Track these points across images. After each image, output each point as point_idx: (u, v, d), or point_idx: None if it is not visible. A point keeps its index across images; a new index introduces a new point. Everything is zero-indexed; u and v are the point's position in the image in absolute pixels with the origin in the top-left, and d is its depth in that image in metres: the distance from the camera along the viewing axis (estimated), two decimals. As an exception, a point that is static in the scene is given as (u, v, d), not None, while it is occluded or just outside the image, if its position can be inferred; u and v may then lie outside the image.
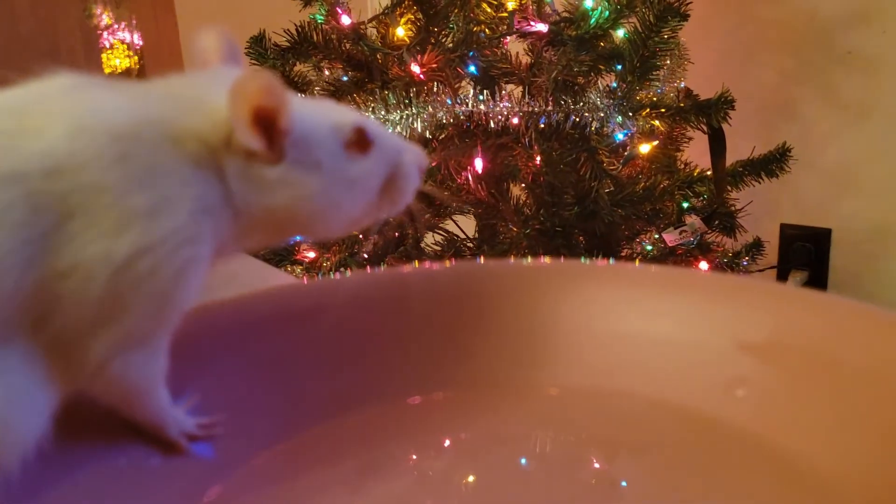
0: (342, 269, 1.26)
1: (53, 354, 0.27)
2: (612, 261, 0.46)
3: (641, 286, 0.42)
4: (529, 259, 0.45)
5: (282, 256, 1.26)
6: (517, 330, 0.42)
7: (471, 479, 0.36)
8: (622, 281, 0.43)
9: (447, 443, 0.38)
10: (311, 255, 1.27)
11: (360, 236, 1.25)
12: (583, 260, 0.45)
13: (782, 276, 1.50)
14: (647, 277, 0.43)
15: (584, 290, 0.43)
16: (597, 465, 0.37)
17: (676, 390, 0.39)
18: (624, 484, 0.35)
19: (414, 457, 0.37)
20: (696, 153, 1.19)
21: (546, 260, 0.44)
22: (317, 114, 0.31)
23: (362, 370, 0.40)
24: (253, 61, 1.14)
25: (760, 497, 0.33)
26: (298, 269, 1.32)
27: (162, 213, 0.27)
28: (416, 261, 1.23)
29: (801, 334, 0.37)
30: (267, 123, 0.29)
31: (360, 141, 0.32)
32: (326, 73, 1.18)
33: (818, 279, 1.50)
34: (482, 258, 1.11)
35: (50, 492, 0.29)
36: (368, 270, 0.45)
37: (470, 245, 1.25)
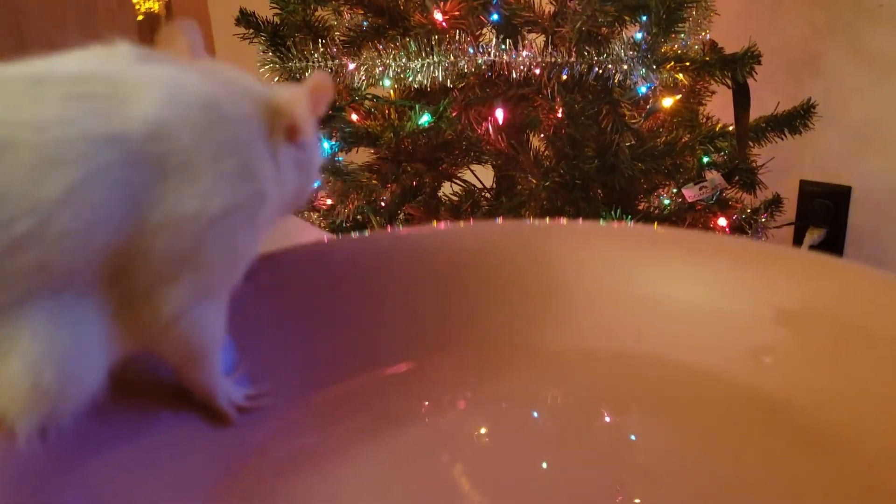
0: (359, 216, 1.26)
1: (124, 309, 0.28)
2: (629, 220, 0.46)
3: (667, 250, 0.42)
4: (548, 220, 0.45)
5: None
6: (537, 291, 0.43)
7: (483, 430, 0.37)
8: (647, 244, 0.43)
9: (466, 400, 0.39)
10: (329, 201, 1.27)
11: (377, 183, 1.25)
12: (601, 220, 0.46)
13: (800, 234, 1.50)
14: (672, 241, 0.43)
15: (607, 253, 0.43)
16: (608, 419, 0.38)
17: (700, 355, 0.39)
18: (633, 437, 0.36)
19: (432, 415, 0.38)
20: (718, 107, 1.18)
21: (566, 221, 0.45)
22: None
23: (380, 330, 0.41)
24: (274, 7, 1.13)
25: (776, 458, 0.34)
26: (315, 216, 1.32)
27: (247, 177, 0.30)
28: (433, 210, 1.23)
29: (831, 303, 0.37)
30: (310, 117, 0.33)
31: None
32: (347, 18, 1.17)
33: (836, 237, 1.49)
34: (500, 217, 1.11)
35: (97, 458, 0.30)
36: (389, 230, 0.46)
37: (487, 196, 1.25)
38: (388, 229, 0.45)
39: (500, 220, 0.48)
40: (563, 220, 0.45)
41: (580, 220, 0.45)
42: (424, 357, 0.41)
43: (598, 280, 0.42)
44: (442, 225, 0.45)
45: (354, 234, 0.44)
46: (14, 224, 0.24)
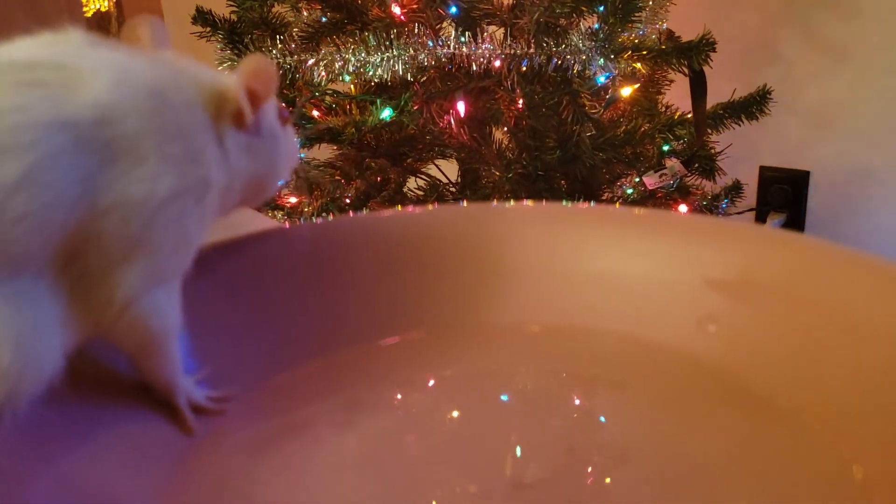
0: (324, 214, 1.26)
1: (78, 292, 0.29)
2: (591, 203, 0.47)
3: (616, 227, 0.43)
4: (511, 202, 0.46)
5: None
6: (494, 271, 0.43)
7: (455, 414, 0.37)
8: (597, 223, 0.44)
9: (430, 380, 0.39)
10: (293, 199, 1.26)
11: (342, 181, 1.25)
12: (564, 203, 0.46)
13: (761, 219, 1.52)
14: (622, 219, 0.44)
15: (560, 233, 0.44)
16: (577, 402, 0.38)
17: (651, 327, 0.40)
18: (603, 419, 0.37)
19: (399, 396, 0.38)
20: (676, 95, 1.19)
21: (525, 203, 0.45)
22: None
23: (344, 311, 0.41)
24: (230, 4, 1.12)
25: (732, 427, 0.35)
26: (280, 214, 1.32)
27: (193, 162, 0.30)
28: (399, 206, 1.23)
29: (770, 272, 0.38)
30: (253, 101, 0.33)
31: (282, 116, 0.37)
32: (305, 14, 1.16)
33: (796, 221, 1.52)
34: (464, 202, 1.11)
35: (58, 451, 0.30)
36: (351, 214, 0.46)
37: (452, 189, 1.25)
38: (350, 214, 0.45)
39: (464, 202, 0.49)
40: (524, 203, 0.46)
41: (531, 202, 0.46)
42: (387, 338, 0.41)
43: (549, 258, 0.42)
44: (400, 209, 0.45)
45: (315, 220, 0.45)
46: None
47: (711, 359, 0.38)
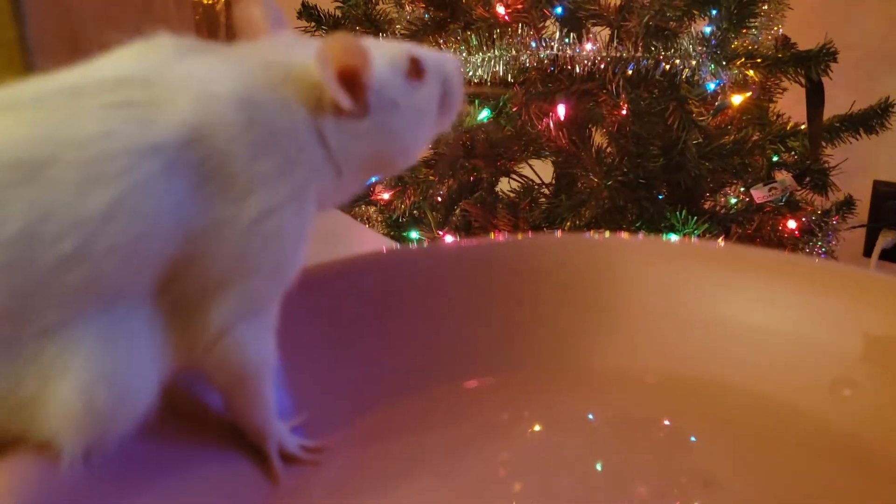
0: (415, 211, 1.25)
1: (173, 320, 0.27)
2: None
3: (746, 271, 0.40)
4: (625, 234, 0.44)
5: (356, 197, 1.26)
6: (599, 309, 0.41)
7: (537, 427, 0.36)
8: (725, 264, 0.41)
9: (530, 426, 0.37)
10: (386, 196, 1.26)
11: (435, 179, 1.24)
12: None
13: (872, 236, 1.44)
14: (752, 261, 0.41)
15: (681, 272, 0.41)
16: (667, 423, 0.36)
17: (773, 384, 0.37)
18: (693, 439, 0.35)
19: (495, 442, 0.36)
20: (788, 103, 1.13)
21: (642, 236, 0.43)
22: (376, 56, 0.31)
23: (436, 347, 0.39)
24: (336, 0, 1.12)
25: (841, 487, 0.32)
26: (372, 210, 1.32)
27: (285, 175, 0.28)
28: (490, 206, 1.21)
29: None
30: (352, 81, 0.30)
31: (416, 69, 0.33)
32: (408, 11, 1.16)
33: (910, 241, 1.43)
34: (560, 217, 1.08)
35: (138, 491, 0.29)
36: (449, 241, 0.44)
37: (546, 192, 1.22)
38: (447, 240, 0.44)
39: (558, 232, 0.46)
40: (640, 236, 0.43)
41: (651, 236, 0.43)
42: (481, 378, 0.39)
43: (668, 300, 0.40)
44: (501, 237, 0.43)
45: (411, 245, 0.43)
46: (59, 243, 0.24)
47: (840, 424, 0.34)
